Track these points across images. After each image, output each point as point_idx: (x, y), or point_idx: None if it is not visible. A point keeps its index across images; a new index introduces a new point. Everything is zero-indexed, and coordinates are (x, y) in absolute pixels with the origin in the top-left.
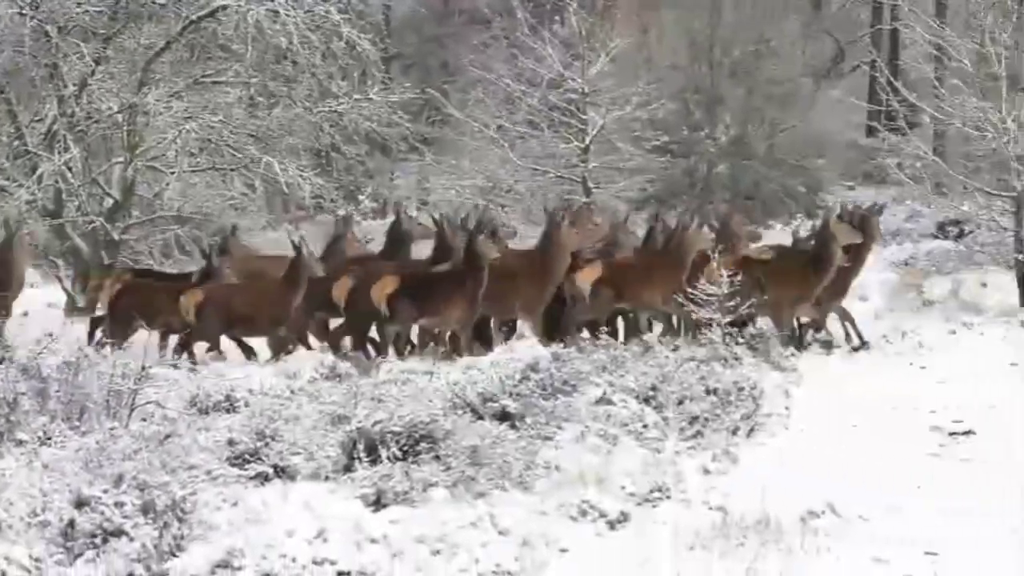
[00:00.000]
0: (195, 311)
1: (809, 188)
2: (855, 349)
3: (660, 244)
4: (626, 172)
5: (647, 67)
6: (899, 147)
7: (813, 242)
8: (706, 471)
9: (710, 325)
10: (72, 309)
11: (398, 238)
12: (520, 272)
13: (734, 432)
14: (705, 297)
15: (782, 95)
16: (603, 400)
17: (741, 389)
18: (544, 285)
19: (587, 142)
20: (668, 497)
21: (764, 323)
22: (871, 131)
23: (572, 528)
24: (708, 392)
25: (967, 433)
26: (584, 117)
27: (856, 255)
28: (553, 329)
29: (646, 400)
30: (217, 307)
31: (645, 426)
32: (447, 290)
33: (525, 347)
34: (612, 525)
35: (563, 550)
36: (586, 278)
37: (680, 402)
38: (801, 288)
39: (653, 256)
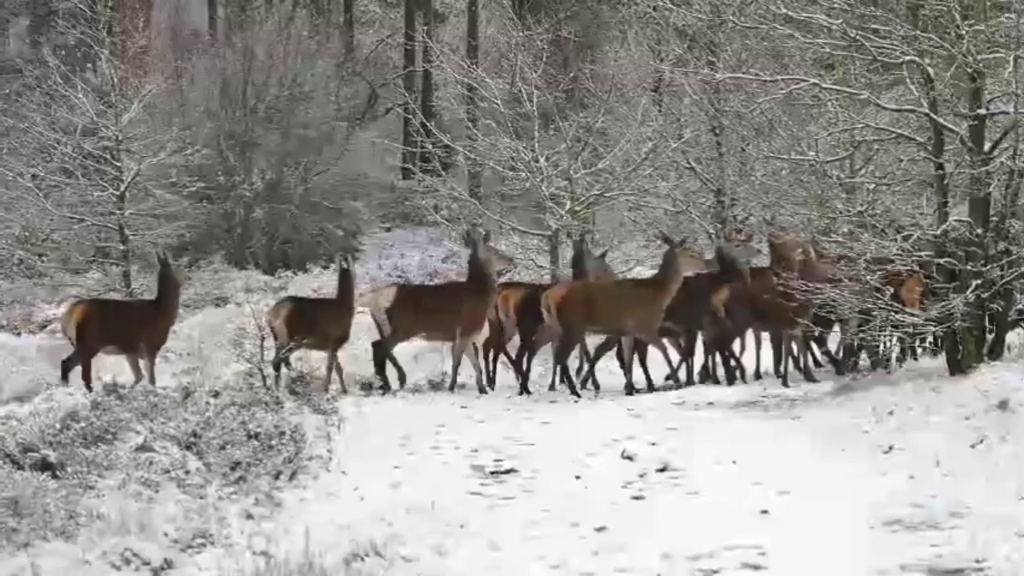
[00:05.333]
0: None
1: (346, 231)
2: None
3: None
4: (163, 218)
5: (181, 113)
6: (434, 188)
7: None
8: (249, 516)
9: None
10: None
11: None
12: None
13: (276, 476)
14: None
15: (317, 139)
16: (144, 447)
17: (283, 433)
18: None
19: (122, 189)
20: (211, 543)
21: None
22: (406, 173)
23: None
24: (250, 437)
25: (509, 472)
26: (118, 164)
27: None
28: None
29: (188, 446)
30: None
31: (187, 472)
32: None
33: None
34: (156, 572)
35: None
36: None
37: (222, 447)
38: None
39: None
